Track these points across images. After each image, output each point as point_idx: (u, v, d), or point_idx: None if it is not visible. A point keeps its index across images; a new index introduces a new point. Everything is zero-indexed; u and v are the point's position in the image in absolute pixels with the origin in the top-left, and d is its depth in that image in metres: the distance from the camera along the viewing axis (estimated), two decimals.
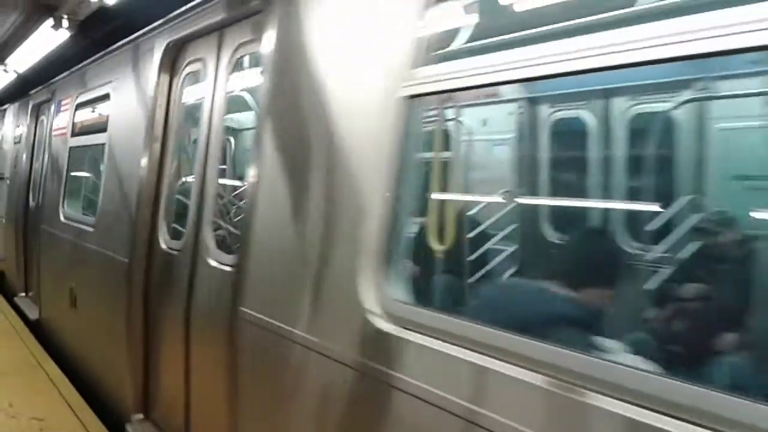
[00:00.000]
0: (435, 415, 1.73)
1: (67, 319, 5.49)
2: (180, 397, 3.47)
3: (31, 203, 7.20)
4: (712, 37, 1.25)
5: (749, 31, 1.21)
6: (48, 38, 7.49)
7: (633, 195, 4.24)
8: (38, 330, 6.49)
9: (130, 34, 4.34)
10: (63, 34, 7.10)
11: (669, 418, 1.27)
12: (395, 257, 2.00)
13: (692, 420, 1.24)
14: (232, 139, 5.76)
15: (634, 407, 1.33)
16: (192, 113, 3.72)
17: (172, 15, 3.90)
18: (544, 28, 1.92)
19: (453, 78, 1.84)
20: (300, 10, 2.57)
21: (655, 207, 3.87)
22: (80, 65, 6.00)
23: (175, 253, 3.60)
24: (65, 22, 6.78)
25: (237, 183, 4.48)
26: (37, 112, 7.74)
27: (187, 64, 3.76)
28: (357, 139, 2.13)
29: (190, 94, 3.79)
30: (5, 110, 10.25)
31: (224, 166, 3.78)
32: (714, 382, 1.62)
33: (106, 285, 4.37)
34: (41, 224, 6.48)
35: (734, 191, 3.76)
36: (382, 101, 2.04)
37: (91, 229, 4.87)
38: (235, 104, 3.21)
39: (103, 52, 5.29)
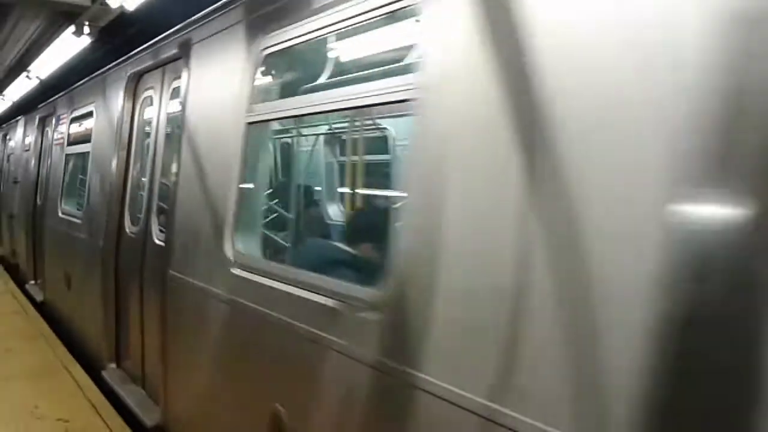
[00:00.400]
0: (259, 320, 2.81)
1: (63, 298, 6.64)
2: (138, 347, 4.60)
3: (38, 202, 8.42)
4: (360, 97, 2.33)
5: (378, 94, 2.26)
6: (70, 45, 7.79)
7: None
8: (43, 310, 7.64)
9: (148, 40, 4.92)
10: (84, 41, 7.29)
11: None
12: (242, 226, 3.11)
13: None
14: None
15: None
16: (147, 128, 4.86)
17: (134, 52, 5.01)
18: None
19: (268, 111, 2.96)
20: (193, 62, 3.72)
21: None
22: (73, 86, 7.08)
23: (134, 235, 4.74)
24: (86, 29, 6.91)
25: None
26: (42, 124, 8.96)
27: (144, 90, 4.89)
28: (226, 149, 3.24)
29: (146, 114, 4.92)
30: (17, 121, 11.47)
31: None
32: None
33: (90, 265, 5.48)
34: (45, 220, 7.73)
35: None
36: (237, 125, 3.13)
37: (79, 221, 6.03)
38: (172, 121, 4.31)
39: (86, 78, 6.42)
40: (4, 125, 12.72)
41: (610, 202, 1.42)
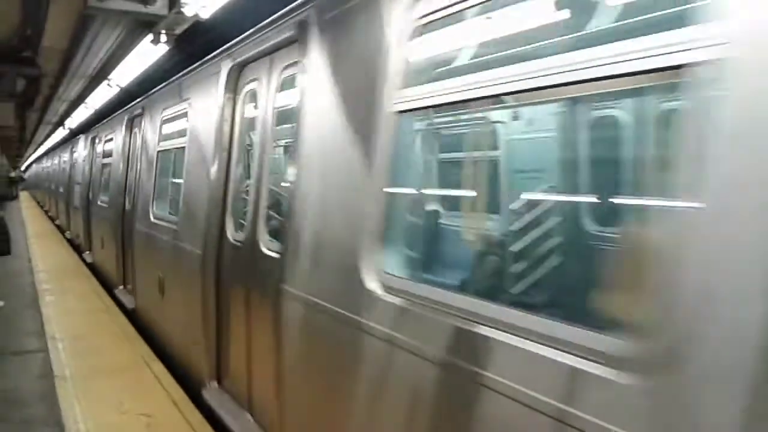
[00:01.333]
0: (429, 368, 2.21)
1: (158, 307, 6.31)
2: (243, 367, 4.14)
3: (127, 206, 8.13)
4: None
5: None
6: (147, 53, 8.04)
7: None
8: (134, 318, 7.39)
9: (222, 46, 4.77)
10: (161, 49, 7.43)
11: None
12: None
13: None
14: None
15: None
16: (251, 125, 4.36)
17: (232, 42, 4.57)
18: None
19: (428, 96, 2.36)
20: (314, 44, 3.22)
21: None
22: (163, 84, 6.81)
23: (238, 243, 4.27)
24: (163, 37, 6.98)
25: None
26: (131, 125, 8.56)
27: (246, 84, 4.40)
28: (363, 145, 2.68)
29: (249, 110, 4.43)
30: (78, 139, 11.75)
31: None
32: None
33: (187, 273, 5.06)
34: (135, 224, 7.39)
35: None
36: (380, 115, 2.56)
37: (174, 227, 5.63)
38: (283, 116, 3.79)
39: (178, 75, 6.08)
40: (93, 128, 12.73)
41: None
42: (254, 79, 4.23)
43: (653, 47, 1.46)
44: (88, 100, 13.27)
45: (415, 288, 2.31)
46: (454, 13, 2.20)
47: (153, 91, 7.41)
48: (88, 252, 11.73)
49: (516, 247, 4.01)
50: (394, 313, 2.31)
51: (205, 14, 6.39)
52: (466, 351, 1.95)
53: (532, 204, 4.32)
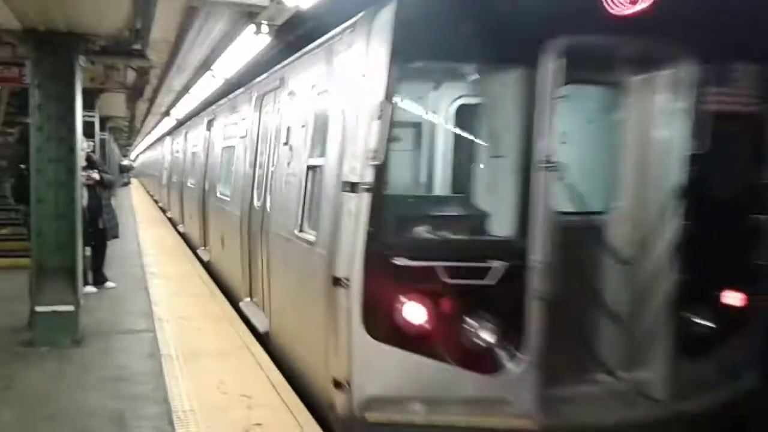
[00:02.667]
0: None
1: (221, 257, 9.04)
2: (260, 283, 6.35)
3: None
4: None
5: None
6: (249, 44, 8.29)
7: None
8: (208, 268, 9.09)
9: (320, 36, 4.63)
10: (263, 39, 7.77)
11: None
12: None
13: None
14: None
15: None
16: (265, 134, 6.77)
17: (259, 79, 7.06)
18: None
19: None
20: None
21: None
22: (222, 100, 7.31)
23: (258, 207, 6.79)
24: (265, 28, 7.06)
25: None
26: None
27: (263, 107, 6.63)
28: None
29: (264, 124, 6.67)
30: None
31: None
32: None
33: (234, 230, 7.66)
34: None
35: None
36: None
37: (228, 199, 6.97)
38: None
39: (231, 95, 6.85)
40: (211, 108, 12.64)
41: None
42: (266, 105, 6.08)
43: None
44: (193, 90, 13.79)
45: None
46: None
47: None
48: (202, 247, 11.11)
49: None
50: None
51: (306, 4, 6.47)
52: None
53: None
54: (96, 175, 8.37)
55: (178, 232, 14.57)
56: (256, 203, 6.62)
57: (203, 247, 10.60)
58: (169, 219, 17.33)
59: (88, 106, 13.06)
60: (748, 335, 4.44)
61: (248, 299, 6.93)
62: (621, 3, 3.77)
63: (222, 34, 8.41)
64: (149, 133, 34.48)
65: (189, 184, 12.96)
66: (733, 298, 4.36)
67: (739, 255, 4.34)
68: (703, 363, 4.24)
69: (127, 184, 37.19)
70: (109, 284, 8.66)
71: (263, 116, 6.89)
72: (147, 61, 8.90)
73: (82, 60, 6.33)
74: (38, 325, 6.06)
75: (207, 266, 10.06)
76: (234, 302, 7.53)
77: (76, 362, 5.69)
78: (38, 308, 6.05)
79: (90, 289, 8.20)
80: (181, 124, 18.02)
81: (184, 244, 13.36)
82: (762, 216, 4.47)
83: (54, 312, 6.04)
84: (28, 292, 6.39)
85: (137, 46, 7.71)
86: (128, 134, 33.73)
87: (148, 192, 32.30)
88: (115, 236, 8.93)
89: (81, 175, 6.75)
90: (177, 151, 16.92)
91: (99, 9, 5.73)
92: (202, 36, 8.81)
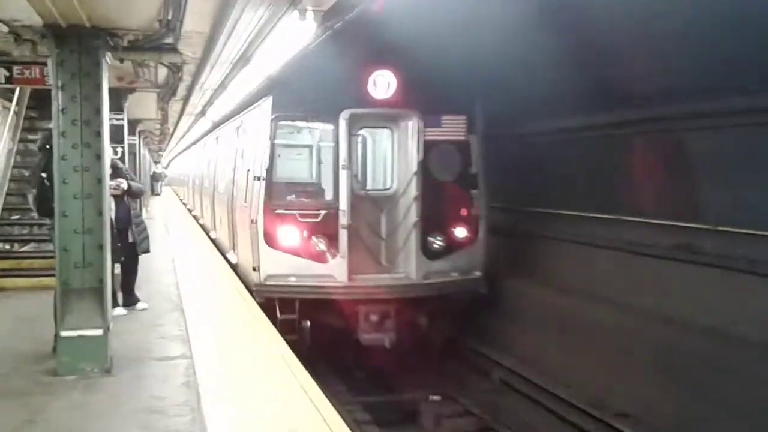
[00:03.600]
0: None
1: (221, 232, 15.31)
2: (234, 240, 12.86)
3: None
4: None
5: None
6: (292, 33, 8.28)
7: None
8: (214, 241, 15.23)
9: (365, 24, 4.94)
10: (308, 27, 7.77)
11: None
12: None
13: None
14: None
15: None
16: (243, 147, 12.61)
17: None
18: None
19: None
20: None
21: None
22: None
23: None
24: (310, 14, 7.37)
25: None
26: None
27: (242, 128, 12.82)
28: None
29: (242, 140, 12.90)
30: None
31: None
32: None
33: (226, 214, 14.05)
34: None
35: None
36: None
37: (224, 193, 13.78)
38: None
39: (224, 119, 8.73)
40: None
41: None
42: (239, 134, 12.20)
43: None
44: (230, 86, 13.96)
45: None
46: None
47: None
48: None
49: None
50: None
51: None
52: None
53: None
54: (124, 185, 8.53)
55: (210, 239, 16.82)
56: (233, 194, 13.09)
57: (232, 251, 13.26)
58: (201, 226, 20.08)
59: (116, 108, 13.42)
60: (470, 251, 10.91)
61: (231, 252, 13.16)
62: (377, 94, 10.02)
63: (262, 22, 8.44)
64: (183, 137, 35.18)
65: (219, 190, 16.08)
66: (459, 231, 10.83)
67: (457, 208, 10.74)
68: (439, 263, 10.55)
69: (158, 194, 38.07)
70: (140, 305, 8.79)
71: (238, 140, 13.26)
72: (180, 56, 9.01)
73: (108, 57, 6.42)
74: (64, 352, 6.15)
75: (235, 269, 12.22)
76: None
77: (106, 392, 5.76)
78: (64, 333, 6.14)
79: (120, 311, 8.34)
80: (207, 132, 22.95)
81: (219, 255, 13.60)
82: (469, 188, 10.93)
83: (81, 337, 6.12)
84: (53, 315, 6.50)
85: (169, 40, 7.79)
86: (160, 138, 34.44)
87: (181, 200, 34.38)
88: (146, 251, 9.05)
89: (108, 185, 6.86)
90: (207, 159, 20.46)
91: (126, 0, 5.79)
92: (239, 26, 8.88)
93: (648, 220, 9.83)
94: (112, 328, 6.36)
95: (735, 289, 8.46)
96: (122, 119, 14.26)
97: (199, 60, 10.53)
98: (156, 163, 49.57)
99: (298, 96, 10.47)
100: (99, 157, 6.20)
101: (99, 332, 6.16)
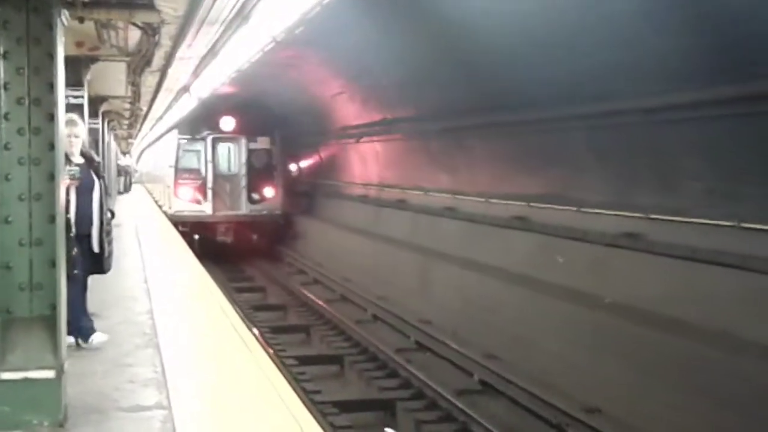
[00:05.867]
0: None
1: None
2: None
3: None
4: None
5: None
6: None
7: None
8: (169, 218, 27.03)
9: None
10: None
11: None
12: None
13: None
14: None
15: None
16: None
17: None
18: None
19: None
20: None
21: None
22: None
23: None
24: None
25: None
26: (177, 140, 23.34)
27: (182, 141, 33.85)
28: None
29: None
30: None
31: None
32: None
33: None
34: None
35: None
36: None
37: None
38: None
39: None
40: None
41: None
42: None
43: None
44: (222, 54, 14.00)
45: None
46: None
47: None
48: None
49: None
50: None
51: None
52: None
53: None
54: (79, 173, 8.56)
55: (164, 213, 32.38)
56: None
57: (167, 206, 31.50)
58: (160, 207, 35.97)
59: (75, 82, 13.50)
60: (274, 201, 32.72)
61: (166, 206, 33.76)
62: (226, 128, 31.76)
63: None
64: (161, 118, 35.69)
65: (165, 179, 34.85)
66: (267, 191, 32.22)
67: (266, 181, 32.24)
68: (257, 206, 32.06)
69: (123, 191, 38.86)
70: (97, 338, 8.74)
71: (167, 148, 35.43)
72: (157, 14, 9.06)
73: (65, 16, 6.46)
74: (4, 400, 6.17)
75: (167, 215, 29.21)
76: None
77: None
78: (4, 375, 6.17)
79: (100, 337, 8.55)
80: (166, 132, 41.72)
81: (205, 271, 13.71)
82: (272, 171, 32.79)
83: (27, 380, 6.13)
84: None
85: None
86: (130, 122, 34.83)
87: (155, 201, 38.07)
88: (108, 269, 9.06)
89: (69, 171, 6.85)
90: (162, 158, 40.85)
91: None
92: None
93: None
94: (67, 368, 6.40)
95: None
96: (82, 97, 14.31)
97: (182, 19, 10.56)
98: (124, 154, 50.44)
99: (189, 127, 32.34)
100: (52, 146, 6.21)
101: (50, 374, 6.17)
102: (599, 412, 11.50)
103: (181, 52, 13.57)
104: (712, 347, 10.37)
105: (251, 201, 31.15)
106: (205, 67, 16.63)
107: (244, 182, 31.14)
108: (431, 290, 19.34)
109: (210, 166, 31.08)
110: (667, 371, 10.93)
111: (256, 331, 15.26)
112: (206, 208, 30.69)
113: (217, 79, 21.37)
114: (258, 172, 31.23)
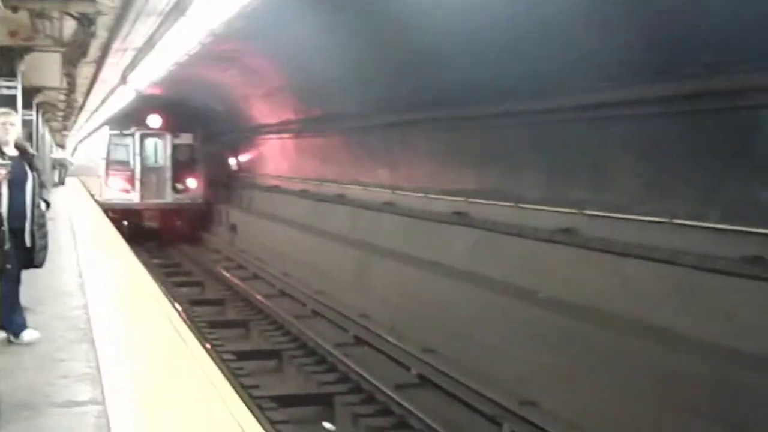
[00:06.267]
0: None
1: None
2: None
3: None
4: None
5: None
6: None
7: None
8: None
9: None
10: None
11: None
12: None
13: None
14: None
15: None
16: None
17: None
18: None
19: None
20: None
21: None
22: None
23: None
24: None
25: None
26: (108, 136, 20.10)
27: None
28: None
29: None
30: None
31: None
32: None
33: None
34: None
35: None
36: None
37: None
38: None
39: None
40: None
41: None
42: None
43: None
44: (160, 46, 13.93)
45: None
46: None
47: None
48: None
49: None
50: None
51: None
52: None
53: None
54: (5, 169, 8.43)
55: (97, 202, 35.23)
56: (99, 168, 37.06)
57: (99, 194, 35.66)
58: (93, 197, 37.97)
59: (8, 72, 13.32)
60: (196, 191, 35.95)
61: (98, 195, 36.97)
62: (153, 124, 34.72)
63: None
64: (96, 110, 35.19)
65: (97, 170, 36.78)
66: (190, 182, 35.46)
67: (188, 173, 35.66)
68: (180, 195, 35.43)
69: (60, 183, 38.35)
70: (28, 335, 8.64)
71: (100, 141, 38.60)
72: (93, 4, 9.00)
73: None
74: None
75: (98, 203, 32.83)
76: None
77: None
78: None
79: (31, 334, 8.41)
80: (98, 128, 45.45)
81: (141, 264, 13.55)
82: (194, 165, 35.95)
83: None
84: None
85: None
86: (65, 113, 34.37)
87: (91, 194, 39.08)
88: (42, 263, 8.92)
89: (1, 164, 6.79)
90: (95, 151, 43.81)
91: None
92: None
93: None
94: None
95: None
96: (15, 88, 14.12)
97: (119, 10, 10.50)
98: (59, 146, 49.82)
99: (120, 123, 35.48)
100: None
101: None
102: (534, 405, 11.68)
103: (117, 44, 13.45)
104: (645, 341, 10.59)
105: (175, 191, 34.41)
106: (143, 59, 16.48)
107: (169, 174, 34.35)
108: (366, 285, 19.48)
109: (138, 158, 34.13)
110: (601, 365, 11.12)
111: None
112: (134, 197, 33.95)
113: (154, 72, 21.16)
114: (182, 164, 34.45)
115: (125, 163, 34.27)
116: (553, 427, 10.98)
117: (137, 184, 34.12)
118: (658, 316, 10.75)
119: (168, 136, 34.52)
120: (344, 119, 20.60)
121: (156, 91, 29.78)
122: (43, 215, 8.87)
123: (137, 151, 34.25)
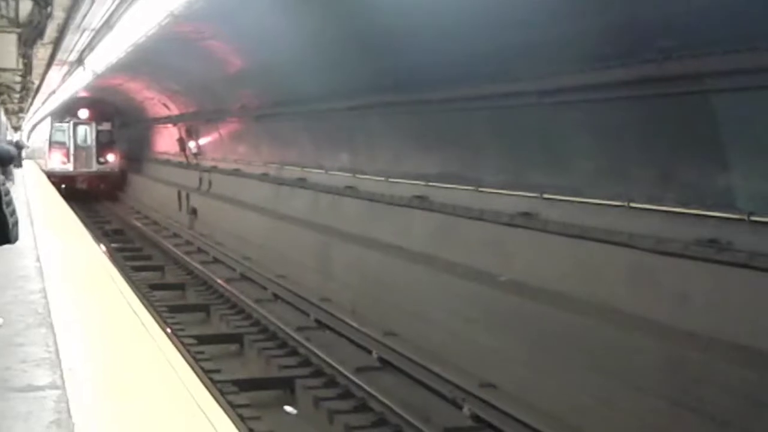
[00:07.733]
0: None
1: None
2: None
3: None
4: None
5: None
6: None
7: None
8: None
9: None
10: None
11: None
12: None
13: None
14: None
15: None
16: None
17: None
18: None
19: None
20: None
21: None
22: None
23: None
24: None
25: None
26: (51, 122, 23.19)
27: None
28: None
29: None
30: None
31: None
32: None
33: None
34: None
35: None
36: None
37: None
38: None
39: None
40: None
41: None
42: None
43: None
44: (118, 28, 13.86)
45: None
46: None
47: None
48: None
49: None
50: None
51: None
52: None
53: None
54: None
55: (44, 172, 45.61)
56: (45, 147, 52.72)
57: (45, 166, 49.97)
58: (43, 171, 48.34)
59: None
60: (114, 163, 50.45)
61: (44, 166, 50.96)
62: (83, 116, 49.39)
63: None
64: (54, 92, 34.80)
65: (44, 149, 53.67)
66: (109, 157, 49.89)
67: (108, 150, 50.10)
68: (102, 166, 49.99)
69: (18, 166, 38.11)
70: None
71: (46, 127, 54.43)
72: None
73: None
74: None
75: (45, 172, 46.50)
76: None
77: None
78: None
79: None
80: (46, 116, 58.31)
81: (100, 249, 13.60)
82: (113, 145, 50.47)
83: None
84: None
85: None
86: (21, 95, 33.94)
87: (43, 171, 50.15)
88: (16, 239, 8.91)
89: None
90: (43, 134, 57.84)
91: None
92: None
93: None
94: None
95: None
96: None
97: None
98: (15, 129, 51.29)
99: (60, 115, 49.71)
100: None
101: None
102: (494, 387, 11.88)
103: (75, 24, 13.38)
104: (602, 323, 10.81)
105: (99, 162, 49.21)
106: (101, 40, 16.38)
107: (94, 151, 49.08)
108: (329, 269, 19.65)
109: (72, 140, 48.67)
110: (558, 347, 11.34)
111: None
112: (69, 167, 48.37)
113: (112, 53, 21.02)
114: (103, 144, 49.32)
115: (63, 143, 48.84)
116: (513, 409, 11.19)
117: (71, 157, 48.71)
118: (616, 299, 10.97)
119: (93, 124, 49.35)
120: (305, 103, 20.50)
121: (85, 94, 44.57)
122: (8, 192, 8.85)
123: (71, 134, 48.85)
